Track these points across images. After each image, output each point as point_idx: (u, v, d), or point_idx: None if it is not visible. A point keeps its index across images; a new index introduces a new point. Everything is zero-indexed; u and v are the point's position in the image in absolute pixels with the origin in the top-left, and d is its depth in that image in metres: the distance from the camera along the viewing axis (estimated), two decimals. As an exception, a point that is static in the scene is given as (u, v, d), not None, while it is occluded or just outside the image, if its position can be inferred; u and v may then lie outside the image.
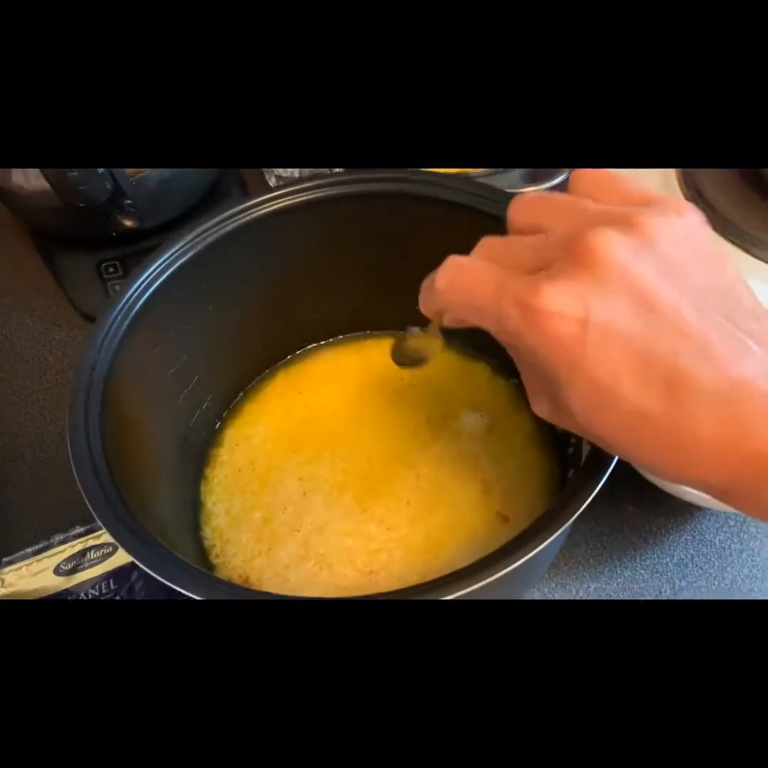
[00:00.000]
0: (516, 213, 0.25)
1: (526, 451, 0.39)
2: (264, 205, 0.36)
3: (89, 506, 0.28)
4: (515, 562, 0.23)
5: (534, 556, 0.23)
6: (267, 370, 0.44)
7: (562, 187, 0.49)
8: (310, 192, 0.37)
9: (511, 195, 0.35)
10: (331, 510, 0.37)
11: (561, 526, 0.24)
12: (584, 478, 0.25)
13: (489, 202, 0.36)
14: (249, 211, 0.36)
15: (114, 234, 0.47)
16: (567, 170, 0.49)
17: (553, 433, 0.38)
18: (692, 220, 0.21)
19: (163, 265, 0.34)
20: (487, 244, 0.25)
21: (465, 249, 0.27)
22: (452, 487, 0.38)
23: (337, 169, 0.56)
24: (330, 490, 0.38)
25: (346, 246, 0.39)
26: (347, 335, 0.46)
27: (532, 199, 0.24)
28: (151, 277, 0.33)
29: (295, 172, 0.55)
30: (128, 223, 0.47)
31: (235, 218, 0.36)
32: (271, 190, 0.54)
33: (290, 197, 0.36)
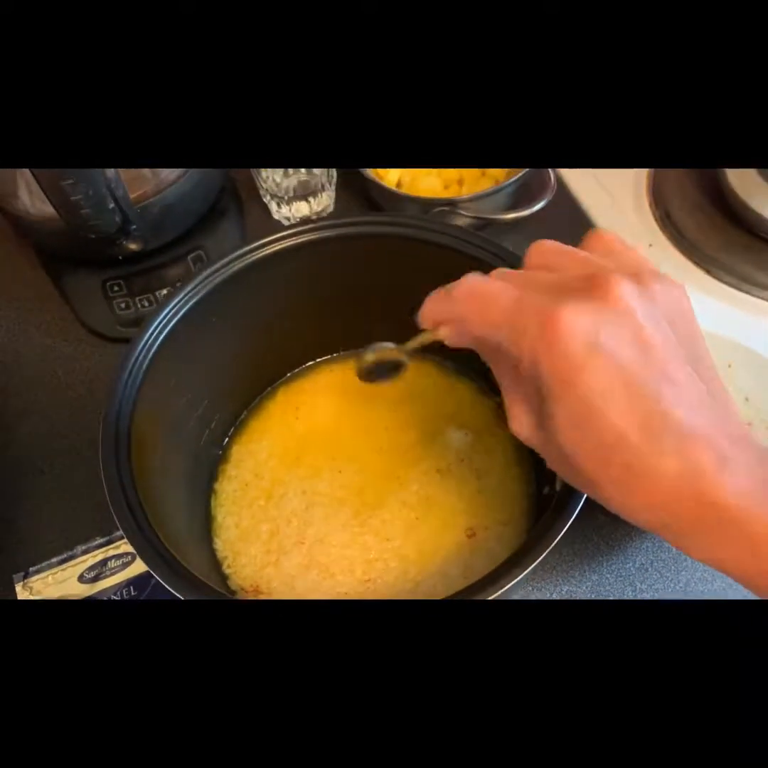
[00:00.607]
0: (534, 255, 0.27)
1: (505, 466, 0.43)
2: (264, 248, 0.39)
3: (121, 529, 0.32)
4: (502, 588, 0.27)
5: (519, 580, 0.28)
6: (269, 388, 0.47)
7: (542, 213, 0.53)
8: (305, 235, 0.40)
9: (484, 240, 0.38)
10: (331, 522, 0.41)
11: (541, 554, 0.28)
12: (557, 514, 0.29)
13: (466, 243, 0.39)
14: (250, 254, 0.39)
15: (120, 257, 0.50)
16: (547, 198, 0.52)
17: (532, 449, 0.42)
18: (683, 292, 0.26)
19: (176, 308, 0.37)
20: (502, 271, 0.27)
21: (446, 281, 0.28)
22: (440, 500, 0.42)
23: (328, 198, 0.59)
24: (330, 503, 0.42)
25: (340, 279, 0.43)
26: (342, 352, 0.49)
27: (554, 247, 0.27)
28: (166, 318, 0.36)
29: (291, 189, 0.58)
30: (133, 246, 0.49)
31: (238, 261, 0.39)
32: (266, 212, 0.56)
33: (288, 239, 0.39)
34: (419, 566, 0.39)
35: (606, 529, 0.42)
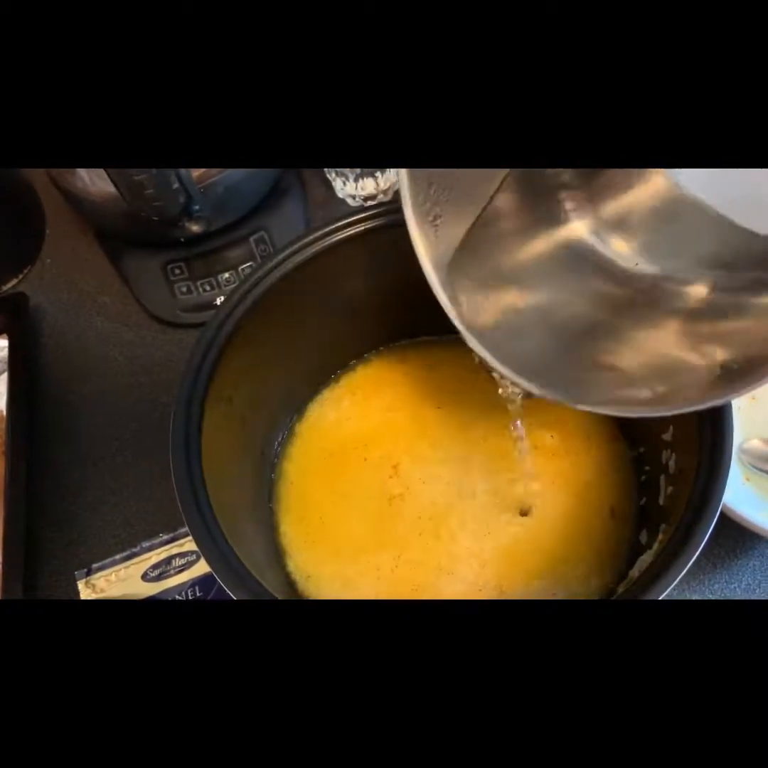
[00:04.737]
0: None
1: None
2: (328, 237, 0.37)
3: (191, 534, 0.30)
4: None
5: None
6: (332, 377, 0.44)
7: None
8: (366, 222, 0.37)
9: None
10: (412, 540, 0.38)
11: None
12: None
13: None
14: (315, 243, 0.36)
15: (182, 239, 0.48)
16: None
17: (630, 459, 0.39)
18: None
19: (241, 300, 0.35)
20: None
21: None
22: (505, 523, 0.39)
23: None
24: (414, 518, 0.39)
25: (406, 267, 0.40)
26: (411, 339, 0.46)
27: None
28: (232, 312, 0.35)
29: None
30: (196, 228, 0.47)
31: (300, 252, 0.36)
32: (330, 190, 0.53)
33: (352, 226, 0.37)
34: (502, 570, 0.36)
35: (707, 545, 0.38)
